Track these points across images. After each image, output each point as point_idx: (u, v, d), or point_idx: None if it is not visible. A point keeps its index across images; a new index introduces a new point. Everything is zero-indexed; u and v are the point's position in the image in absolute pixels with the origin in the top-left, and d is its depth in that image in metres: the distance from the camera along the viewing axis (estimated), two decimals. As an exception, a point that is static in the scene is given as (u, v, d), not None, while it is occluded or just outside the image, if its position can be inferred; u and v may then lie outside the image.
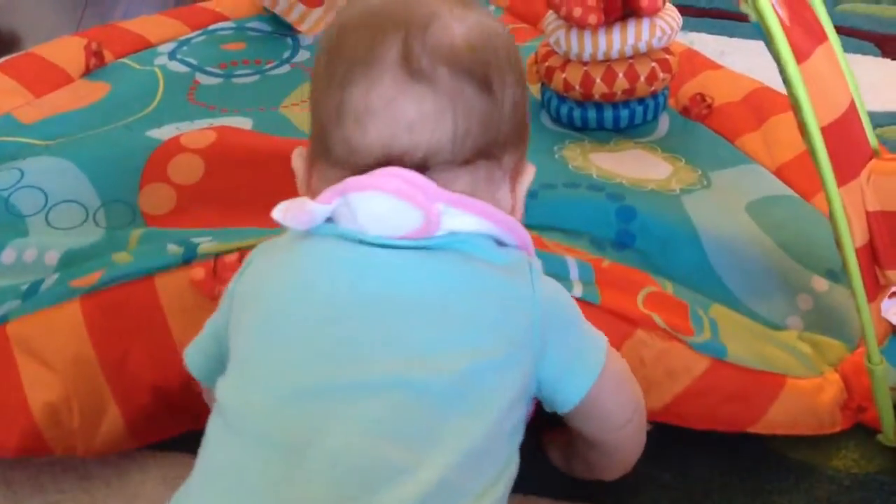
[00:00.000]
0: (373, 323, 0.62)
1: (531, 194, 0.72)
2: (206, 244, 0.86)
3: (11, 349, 0.83)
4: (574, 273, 0.85)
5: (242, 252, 0.84)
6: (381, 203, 0.63)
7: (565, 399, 0.69)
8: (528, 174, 0.71)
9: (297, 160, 0.70)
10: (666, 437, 0.78)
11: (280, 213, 0.65)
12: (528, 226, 0.70)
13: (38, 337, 0.83)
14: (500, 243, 0.67)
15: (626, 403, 0.73)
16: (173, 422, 0.86)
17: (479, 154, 0.66)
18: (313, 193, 0.67)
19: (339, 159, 0.66)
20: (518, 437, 0.66)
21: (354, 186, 0.63)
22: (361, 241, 0.64)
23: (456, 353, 0.61)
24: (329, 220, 0.65)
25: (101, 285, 0.84)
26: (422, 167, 0.64)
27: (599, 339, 0.71)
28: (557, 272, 0.82)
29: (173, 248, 0.87)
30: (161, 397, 0.84)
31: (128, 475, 0.86)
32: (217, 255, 0.85)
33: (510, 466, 0.64)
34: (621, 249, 0.95)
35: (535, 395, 0.69)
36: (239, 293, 0.67)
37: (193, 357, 0.72)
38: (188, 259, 0.85)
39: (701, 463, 0.84)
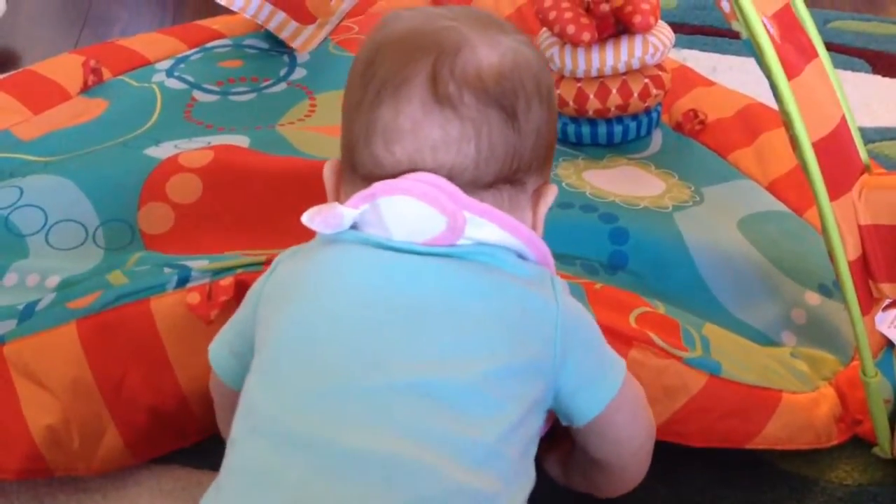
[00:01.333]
0: (396, 328, 0.63)
1: None
2: (200, 264, 0.87)
3: (9, 371, 0.84)
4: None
5: (238, 276, 0.84)
6: (409, 207, 0.65)
7: (582, 413, 0.70)
8: (550, 194, 0.72)
9: (328, 172, 0.72)
10: (660, 448, 0.78)
11: (309, 216, 0.67)
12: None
13: (36, 359, 0.84)
14: (522, 257, 0.69)
15: (640, 429, 0.74)
16: (170, 440, 0.87)
17: (503, 179, 0.68)
18: (341, 202, 0.69)
19: (367, 174, 0.67)
20: (533, 450, 0.66)
21: (383, 190, 0.65)
22: (388, 247, 0.66)
23: (475, 357, 0.63)
24: (353, 227, 0.67)
25: (97, 308, 0.85)
26: None
27: (619, 360, 0.72)
28: None
29: (168, 270, 0.87)
30: (158, 417, 0.85)
31: (124, 487, 0.86)
32: (212, 278, 0.85)
33: (527, 479, 0.65)
34: (614, 272, 0.96)
35: (551, 409, 0.70)
36: (266, 295, 0.69)
37: (219, 354, 0.73)
38: (183, 279, 0.86)
39: (694, 474, 0.85)
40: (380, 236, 0.66)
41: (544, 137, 0.70)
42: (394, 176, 0.66)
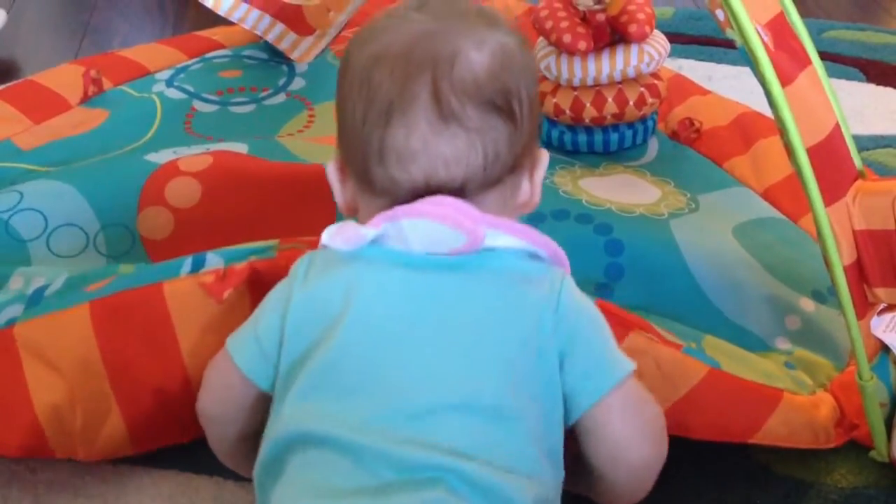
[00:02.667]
0: (435, 349, 0.68)
1: None
2: (213, 253, 0.87)
3: (17, 350, 0.83)
4: None
5: (251, 262, 0.84)
6: (430, 228, 0.69)
7: (578, 402, 0.70)
8: (543, 162, 0.76)
9: (331, 173, 0.75)
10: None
11: (329, 236, 0.71)
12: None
13: (46, 338, 0.83)
14: (534, 256, 0.72)
15: (641, 436, 0.72)
16: (171, 431, 0.86)
17: (507, 171, 0.72)
18: (350, 208, 0.75)
19: (382, 191, 0.71)
20: (559, 447, 0.71)
21: (406, 213, 0.69)
22: (411, 263, 0.70)
23: (499, 370, 0.68)
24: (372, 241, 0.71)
25: (111, 290, 0.84)
26: (459, 193, 0.70)
27: (626, 362, 0.72)
28: None
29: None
30: (162, 402, 0.84)
31: (124, 493, 0.86)
32: (226, 264, 0.85)
33: (559, 472, 0.70)
34: (609, 296, 0.95)
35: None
36: (296, 309, 0.71)
37: (242, 345, 0.74)
38: (198, 263, 0.85)
39: (690, 477, 0.85)
40: (400, 249, 0.70)
41: (536, 115, 0.74)
42: (410, 190, 0.70)
